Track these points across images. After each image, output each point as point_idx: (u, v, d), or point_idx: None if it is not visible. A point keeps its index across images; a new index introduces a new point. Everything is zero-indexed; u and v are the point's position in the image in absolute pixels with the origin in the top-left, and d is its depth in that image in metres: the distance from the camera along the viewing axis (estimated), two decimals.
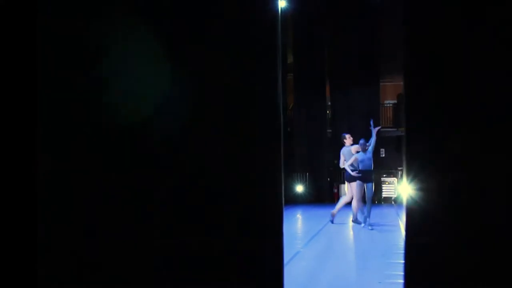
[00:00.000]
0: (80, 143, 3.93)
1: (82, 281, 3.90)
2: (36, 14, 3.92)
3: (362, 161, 9.34)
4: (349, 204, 10.11)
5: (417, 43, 3.66)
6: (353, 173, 9.47)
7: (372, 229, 9.32)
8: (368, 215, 9.41)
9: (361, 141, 9.45)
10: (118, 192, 3.90)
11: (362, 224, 9.60)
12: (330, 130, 16.12)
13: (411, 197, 3.64)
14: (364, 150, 9.32)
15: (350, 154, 9.70)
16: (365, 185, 9.40)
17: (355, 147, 9.66)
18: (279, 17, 3.95)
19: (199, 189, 3.87)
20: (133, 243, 3.90)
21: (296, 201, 14.75)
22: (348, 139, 10.01)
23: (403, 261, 3.75)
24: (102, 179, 3.91)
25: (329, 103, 16.55)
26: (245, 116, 3.86)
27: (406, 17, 3.72)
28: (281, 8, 14.58)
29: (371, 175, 9.44)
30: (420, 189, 3.61)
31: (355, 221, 9.98)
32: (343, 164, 9.91)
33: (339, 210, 10.13)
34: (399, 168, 15.45)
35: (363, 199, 9.72)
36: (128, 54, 3.94)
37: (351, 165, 9.60)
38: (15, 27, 3.95)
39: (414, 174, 3.64)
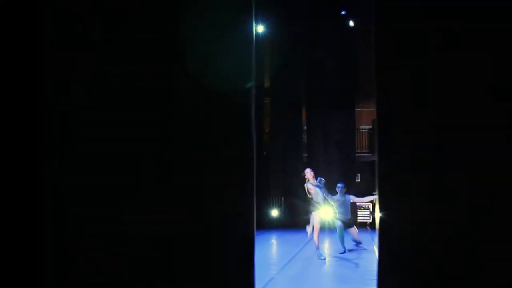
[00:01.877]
0: (80, 143, 3.91)
1: (82, 281, 3.85)
2: (36, 14, 3.89)
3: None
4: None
5: (388, 69, 3.70)
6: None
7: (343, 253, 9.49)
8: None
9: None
10: (118, 192, 3.87)
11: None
12: (305, 155, 16.13)
13: (383, 220, 3.63)
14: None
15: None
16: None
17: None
18: (254, 45, 3.95)
19: (167, 215, 3.82)
20: (132, 243, 3.84)
21: (271, 225, 14.63)
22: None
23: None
24: (102, 179, 3.89)
25: (305, 128, 16.59)
26: (218, 143, 3.85)
27: (377, 45, 3.76)
28: (259, 33, 14.70)
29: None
30: (392, 212, 3.60)
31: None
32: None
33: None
34: (374, 193, 15.49)
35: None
36: (128, 54, 3.92)
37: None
38: (15, 27, 3.93)
39: (386, 197, 3.64)
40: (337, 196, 9.79)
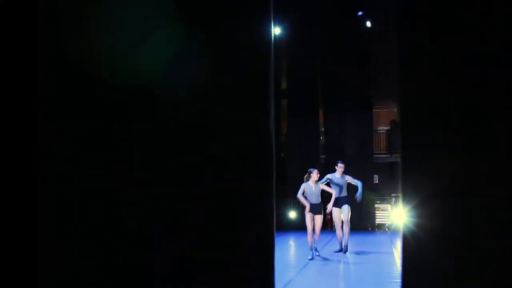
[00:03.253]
0: (80, 142, 3.86)
1: (82, 281, 3.81)
2: (36, 14, 3.89)
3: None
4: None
5: (411, 70, 3.64)
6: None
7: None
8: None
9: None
10: (118, 192, 3.83)
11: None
12: (323, 156, 16.09)
13: (407, 224, 3.58)
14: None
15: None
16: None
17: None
18: (272, 46, 3.94)
19: (186, 216, 3.80)
20: (132, 243, 3.81)
21: (289, 227, 14.60)
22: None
23: None
24: (103, 178, 3.84)
25: (323, 129, 16.56)
26: (238, 144, 3.83)
27: (400, 45, 3.71)
28: (275, 35, 14.70)
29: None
30: (416, 216, 3.55)
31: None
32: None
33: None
34: (393, 195, 15.37)
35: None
36: (130, 54, 3.89)
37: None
38: (15, 27, 3.92)
39: (410, 200, 3.59)
40: (334, 176, 9.84)
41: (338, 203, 9.73)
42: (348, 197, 9.89)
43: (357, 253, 9.96)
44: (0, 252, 3.83)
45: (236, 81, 3.85)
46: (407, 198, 3.62)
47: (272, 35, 3.99)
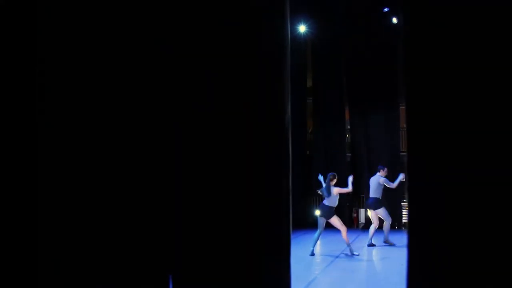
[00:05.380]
0: (80, 142, 3.91)
1: (82, 281, 3.86)
2: (36, 14, 3.94)
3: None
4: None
5: (418, 71, 3.62)
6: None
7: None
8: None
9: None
10: (118, 191, 3.88)
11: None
12: (349, 154, 15.99)
13: (414, 222, 3.58)
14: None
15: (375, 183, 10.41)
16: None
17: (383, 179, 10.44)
18: (289, 44, 3.95)
19: (198, 214, 3.84)
20: (133, 243, 3.86)
21: (314, 225, 14.56)
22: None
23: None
24: (102, 178, 3.88)
25: (348, 127, 16.46)
26: (253, 142, 3.85)
27: (406, 43, 3.70)
28: (301, 33, 14.67)
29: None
30: (422, 210, 3.55)
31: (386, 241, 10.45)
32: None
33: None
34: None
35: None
36: (128, 54, 3.93)
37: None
38: (15, 27, 3.96)
39: (416, 195, 3.59)
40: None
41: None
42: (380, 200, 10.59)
43: (383, 251, 9.91)
44: (0, 252, 3.88)
45: (251, 79, 3.87)
46: (414, 196, 3.62)
47: (288, 32, 3.97)
